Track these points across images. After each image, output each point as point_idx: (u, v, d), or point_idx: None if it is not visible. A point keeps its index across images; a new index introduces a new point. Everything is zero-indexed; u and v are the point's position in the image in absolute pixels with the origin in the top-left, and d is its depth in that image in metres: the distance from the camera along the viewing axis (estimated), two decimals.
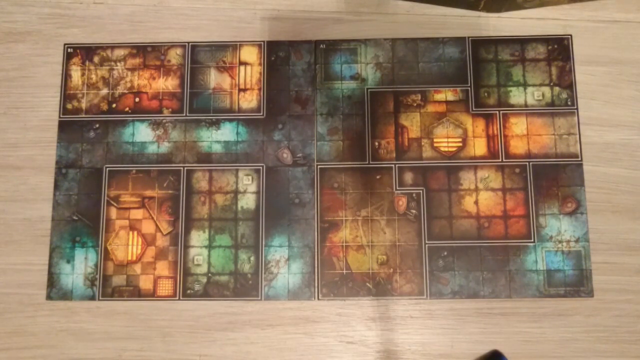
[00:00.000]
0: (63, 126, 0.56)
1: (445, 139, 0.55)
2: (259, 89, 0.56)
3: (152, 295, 0.53)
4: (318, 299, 0.53)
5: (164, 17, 0.58)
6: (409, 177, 0.54)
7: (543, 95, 0.55)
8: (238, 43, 0.57)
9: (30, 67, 0.57)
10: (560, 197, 0.54)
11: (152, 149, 0.55)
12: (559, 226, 0.53)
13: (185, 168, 0.55)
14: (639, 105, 0.56)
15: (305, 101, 0.56)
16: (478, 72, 0.56)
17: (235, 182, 0.55)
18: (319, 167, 0.55)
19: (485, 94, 0.56)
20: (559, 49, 0.56)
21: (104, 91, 0.56)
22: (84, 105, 0.56)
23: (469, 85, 0.56)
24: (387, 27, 0.57)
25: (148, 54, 0.57)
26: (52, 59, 0.57)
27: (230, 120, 0.56)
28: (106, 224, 0.54)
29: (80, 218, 0.54)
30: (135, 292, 0.53)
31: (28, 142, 0.56)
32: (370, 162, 0.55)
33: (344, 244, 0.53)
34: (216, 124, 0.56)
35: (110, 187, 0.55)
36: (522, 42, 0.56)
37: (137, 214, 0.54)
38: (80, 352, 0.53)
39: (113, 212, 0.54)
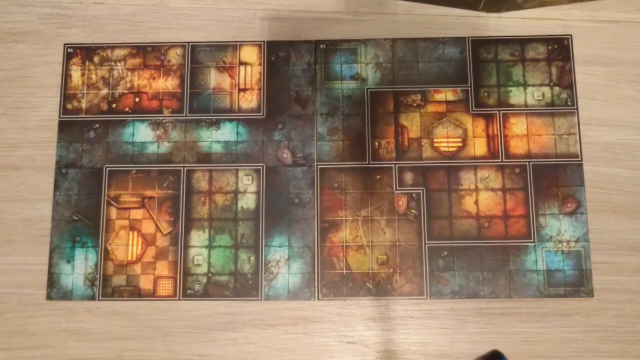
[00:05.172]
0: (63, 126, 0.56)
1: (445, 139, 0.55)
2: (259, 89, 0.56)
3: (152, 295, 0.53)
4: (318, 299, 0.53)
5: (164, 17, 0.58)
6: (409, 177, 0.54)
7: (543, 95, 0.55)
8: (238, 43, 0.57)
9: (30, 67, 0.57)
10: (560, 197, 0.54)
11: (152, 149, 0.55)
12: (559, 226, 0.53)
13: (185, 168, 0.55)
14: (639, 105, 0.56)
15: (305, 101, 0.56)
16: (478, 72, 0.56)
17: (235, 182, 0.55)
18: (319, 167, 0.55)
19: (485, 94, 0.56)
20: (559, 49, 0.56)
21: (104, 91, 0.56)
22: (84, 105, 0.56)
23: (469, 85, 0.56)
24: (387, 27, 0.57)
25: (148, 54, 0.57)
26: (52, 59, 0.57)
27: (230, 120, 0.56)
28: (106, 224, 0.54)
29: (80, 218, 0.54)
30: (135, 292, 0.53)
31: (28, 142, 0.56)
32: (370, 162, 0.55)
33: (344, 244, 0.53)
34: (216, 124, 0.56)
35: (110, 187, 0.55)
36: (522, 42, 0.56)
37: (137, 214, 0.54)
38: (80, 352, 0.53)
39: (113, 212, 0.54)
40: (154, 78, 0.57)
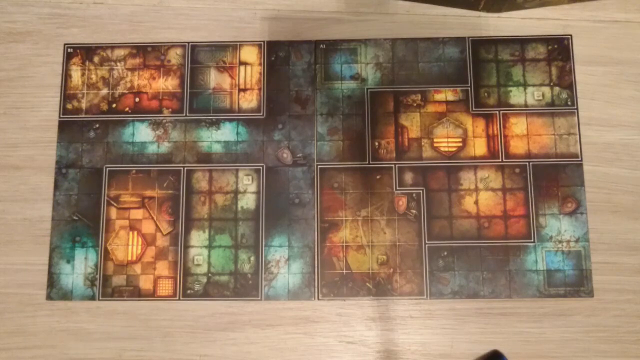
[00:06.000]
0: (63, 126, 0.56)
1: (445, 139, 0.55)
2: (259, 89, 0.56)
3: (152, 295, 0.53)
4: (318, 299, 0.53)
5: (164, 17, 0.58)
6: (409, 177, 0.54)
7: (543, 95, 0.55)
8: (238, 43, 0.57)
9: (30, 67, 0.57)
10: (560, 197, 0.54)
11: (152, 149, 0.55)
12: (559, 226, 0.53)
13: (185, 168, 0.55)
14: (639, 105, 0.56)
15: (305, 101, 0.56)
16: (478, 72, 0.56)
17: (235, 182, 0.55)
18: (319, 167, 0.55)
19: (485, 94, 0.56)
20: (559, 49, 0.56)
21: (104, 91, 0.56)
22: (84, 105, 0.56)
23: (469, 85, 0.56)
24: (387, 27, 0.57)
25: (148, 54, 0.57)
26: (52, 59, 0.57)
27: (230, 120, 0.56)
28: (106, 224, 0.54)
29: (80, 218, 0.54)
30: (135, 292, 0.53)
31: (28, 142, 0.56)
32: (370, 162, 0.55)
33: (344, 244, 0.53)
34: (216, 124, 0.56)
35: (110, 187, 0.55)
36: (522, 42, 0.56)
37: (137, 214, 0.54)
38: (80, 352, 0.53)
39: (113, 212, 0.54)
40: (154, 78, 0.57)
